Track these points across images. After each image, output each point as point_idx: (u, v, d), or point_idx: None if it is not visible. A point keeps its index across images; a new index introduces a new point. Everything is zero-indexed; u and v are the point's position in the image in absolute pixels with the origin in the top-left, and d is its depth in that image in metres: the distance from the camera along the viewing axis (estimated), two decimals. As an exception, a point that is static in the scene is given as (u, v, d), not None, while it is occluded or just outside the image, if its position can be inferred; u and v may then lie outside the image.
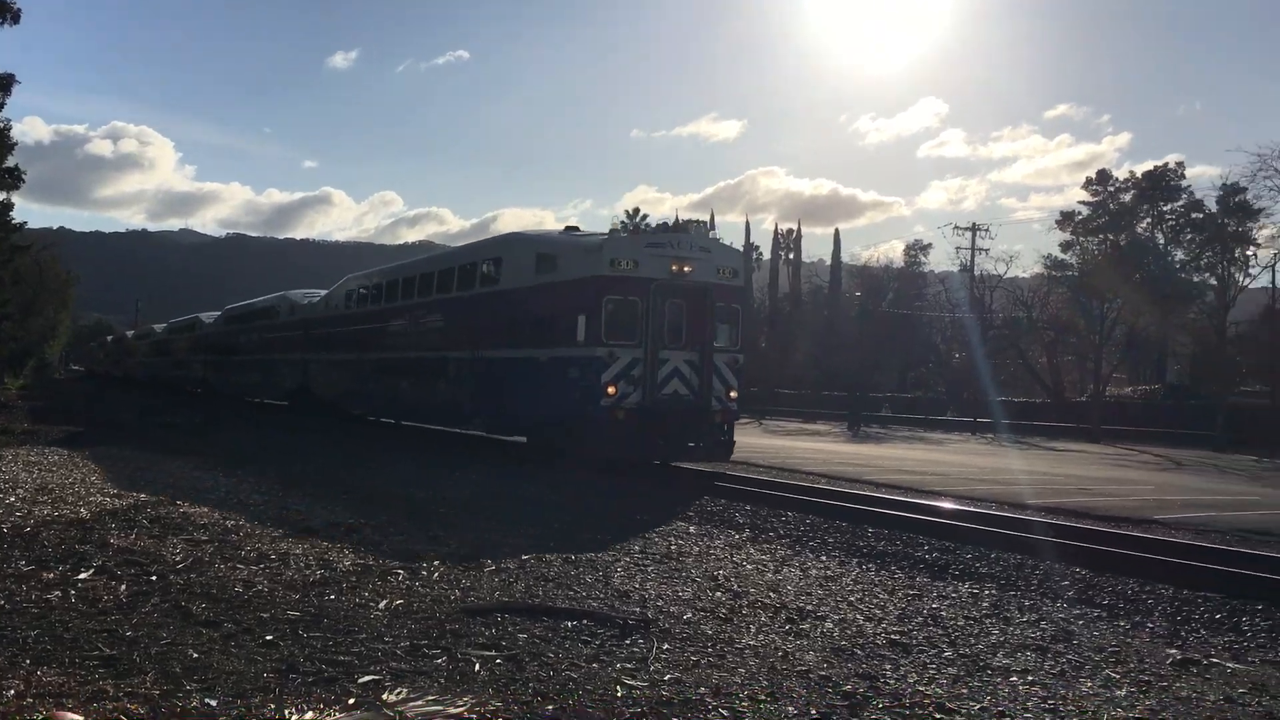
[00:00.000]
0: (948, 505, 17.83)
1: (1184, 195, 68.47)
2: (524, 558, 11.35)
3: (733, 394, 21.31)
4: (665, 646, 7.78)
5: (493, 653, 7.38)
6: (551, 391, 21.41)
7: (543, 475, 20.22)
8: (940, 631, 8.84)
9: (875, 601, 10.04)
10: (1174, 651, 8.59)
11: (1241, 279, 61.66)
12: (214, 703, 6.06)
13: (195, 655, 7.00)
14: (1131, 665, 8.02)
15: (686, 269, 20.73)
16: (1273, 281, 58.22)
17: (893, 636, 8.55)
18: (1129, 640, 8.98)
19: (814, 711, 6.41)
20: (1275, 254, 56.26)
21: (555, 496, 17.32)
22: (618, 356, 20.13)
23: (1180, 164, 71.02)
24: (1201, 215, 65.59)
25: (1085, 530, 14.97)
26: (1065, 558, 12.55)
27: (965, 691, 7.02)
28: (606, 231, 22.01)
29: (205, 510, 14.00)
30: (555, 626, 8.28)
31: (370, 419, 35.31)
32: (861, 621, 9.09)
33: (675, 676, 7.00)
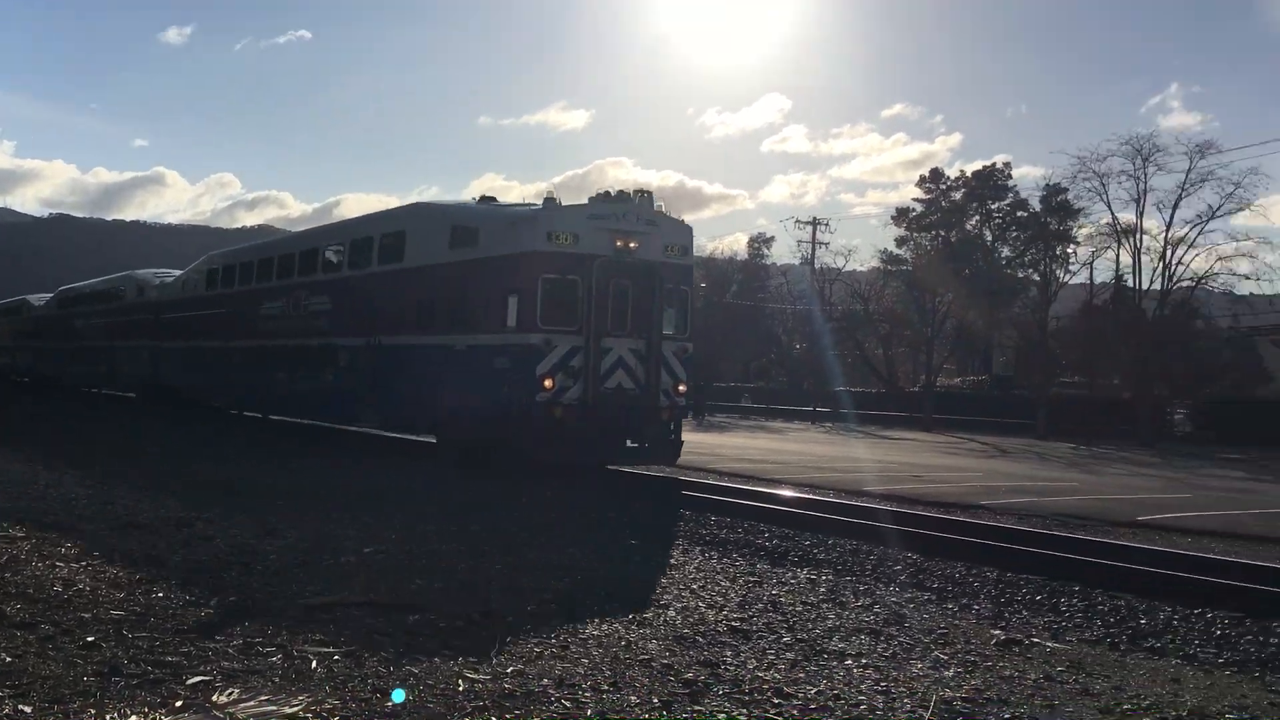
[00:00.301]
0: (788, 493, 18.27)
1: (1010, 194, 71.51)
2: (366, 550, 11.13)
3: (681, 388, 19.33)
4: (509, 638, 7.73)
5: (331, 649, 7.21)
6: (472, 385, 19.06)
7: (396, 466, 19.85)
8: (779, 617, 9.03)
9: (717, 589, 10.19)
10: (998, 632, 8.98)
11: (1062, 275, 64.89)
12: (28, 709, 5.74)
13: (8, 659, 6.62)
14: (959, 646, 8.35)
15: (632, 245, 18.47)
16: (1090, 278, 61.51)
17: (733, 623, 8.69)
18: (957, 622, 9.35)
19: (656, 700, 6.46)
20: (1093, 252, 59.34)
21: (405, 487, 17.02)
22: (555, 345, 17.82)
23: (1007, 164, 74.17)
24: (1026, 214, 68.65)
25: (917, 516, 15.53)
26: (898, 543, 12.99)
27: (802, 676, 7.19)
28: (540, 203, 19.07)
29: (23, 505, 13.26)
30: (397, 620, 8.14)
31: (232, 413, 32.97)
32: (703, 609, 9.21)
33: (518, 669, 6.96)
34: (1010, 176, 72.65)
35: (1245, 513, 18.92)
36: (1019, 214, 69.84)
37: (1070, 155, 74.64)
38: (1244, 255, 50.37)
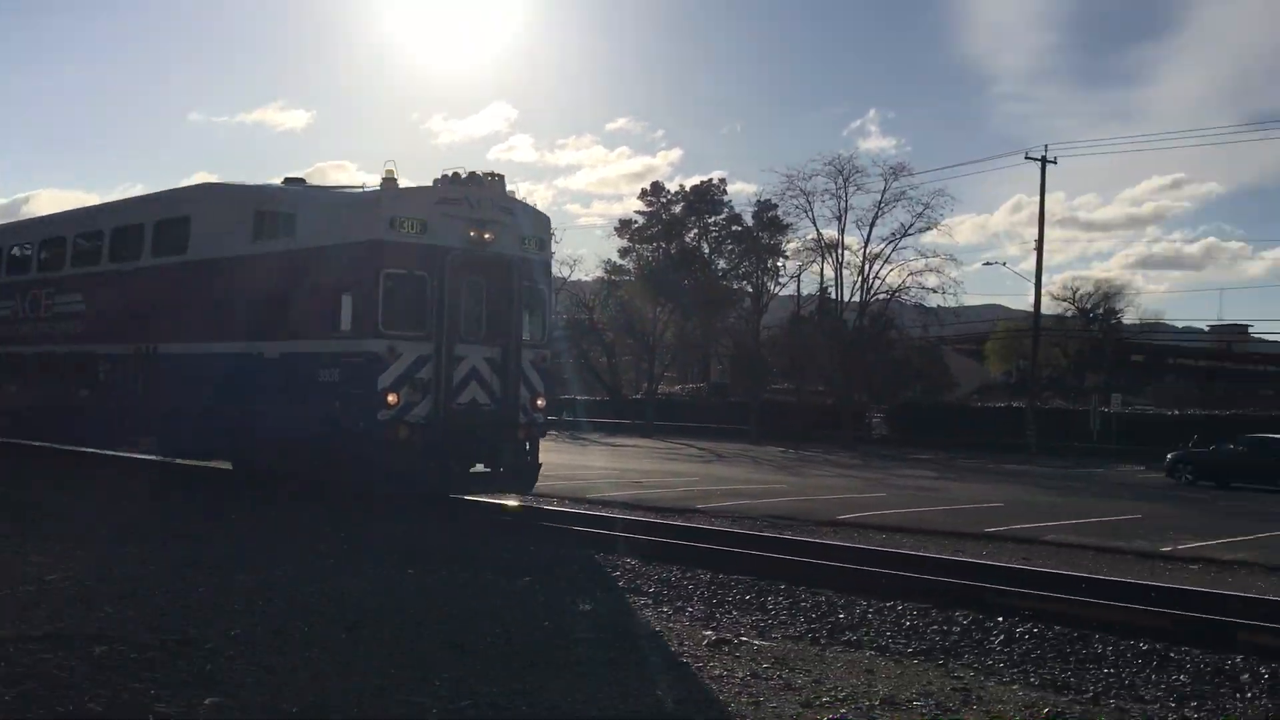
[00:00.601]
0: (512, 502, 18.22)
1: (726, 209, 74.93)
2: (50, 578, 10.23)
3: (540, 402, 16.86)
4: (209, 667, 7.29)
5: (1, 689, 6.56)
6: (289, 400, 16.24)
7: (93, 476, 18.38)
8: (499, 629, 8.94)
9: (433, 604, 9.95)
10: (709, 633, 9.28)
11: (773, 287, 68.59)
12: None
13: None
14: (672, 649, 8.57)
15: (487, 236, 15.96)
16: (798, 290, 65.23)
17: (452, 638, 8.55)
18: (671, 625, 9.59)
19: (368, 723, 6.27)
20: (800, 265, 63.07)
21: (104, 501, 15.79)
22: (400, 353, 15.17)
23: (723, 180, 77.75)
24: (740, 228, 72.08)
25: (636, 522, 15.88)
26: (617, 549, 13.23)
27: (520, 687, 7.16)
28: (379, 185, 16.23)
29: None
30: (83, 654, 7.50)
31: None
32: (430, 624, 9.00)
33: (218, 700, 6.56)
34: (726, 192, 76.21)
35: (932, 509, 20.51)
36: (734, 228, 73.24)
37: (780, 173, 78.92)
38: (932, 271, 55.02)
